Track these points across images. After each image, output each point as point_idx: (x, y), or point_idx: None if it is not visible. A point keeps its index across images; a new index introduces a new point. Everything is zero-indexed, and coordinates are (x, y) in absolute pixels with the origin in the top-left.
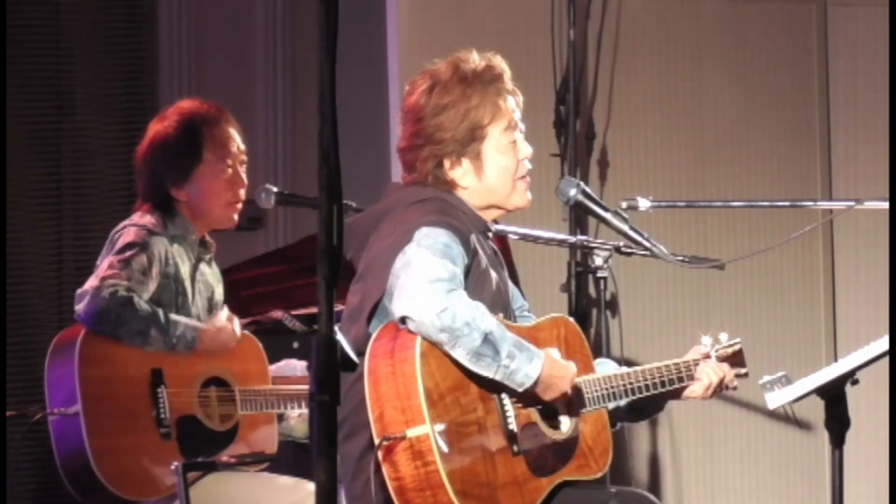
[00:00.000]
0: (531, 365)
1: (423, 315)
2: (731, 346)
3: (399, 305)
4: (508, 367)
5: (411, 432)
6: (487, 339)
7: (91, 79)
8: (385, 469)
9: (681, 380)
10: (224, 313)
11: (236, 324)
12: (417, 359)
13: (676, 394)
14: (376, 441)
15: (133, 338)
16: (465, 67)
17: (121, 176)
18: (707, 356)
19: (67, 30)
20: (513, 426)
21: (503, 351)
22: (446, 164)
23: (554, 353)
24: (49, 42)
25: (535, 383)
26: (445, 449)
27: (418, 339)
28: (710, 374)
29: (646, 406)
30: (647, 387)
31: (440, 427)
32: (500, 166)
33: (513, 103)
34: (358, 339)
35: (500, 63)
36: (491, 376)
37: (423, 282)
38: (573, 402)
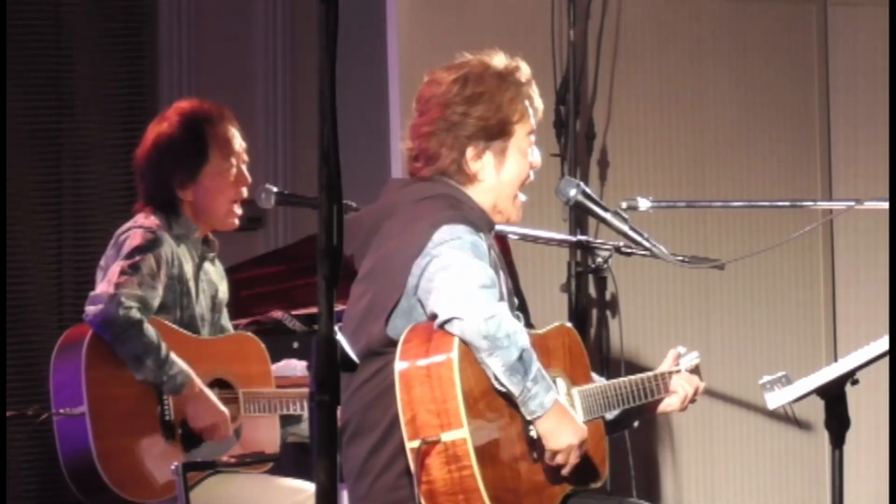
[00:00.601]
0: (547, 395)
1: (472, 319)
2: (692, 359)
3: (446, 308)
4: (531, 389)
5: (446, 436)
6: (522, 356)
7: (91, 79)
8: (415, 472)
9: (659, 391)
10: (225, 409)
11: (230, 428)
12: (456, 362)
13: (652, 409)
14: (408, 444)
15: (129, 358)
16: (498, 64)
17: (121, 176)
18: (678, 369)
19: (67, 30)
20: (533, 433)
21: (531, 372)
22: (469, 153)
23: (560, 390)
24: (49, 42)
25: (545, 415)
26: (481, 453)
27: (456, 342)
28: (684, 385)
29: (620, 420)
30: (635, 397)
31: (476, 431)
32: (517, 168)
33: (532, 112)
34: (372, 340)
35: (527, 70)
36: (515, 394)
37: (473, 287)
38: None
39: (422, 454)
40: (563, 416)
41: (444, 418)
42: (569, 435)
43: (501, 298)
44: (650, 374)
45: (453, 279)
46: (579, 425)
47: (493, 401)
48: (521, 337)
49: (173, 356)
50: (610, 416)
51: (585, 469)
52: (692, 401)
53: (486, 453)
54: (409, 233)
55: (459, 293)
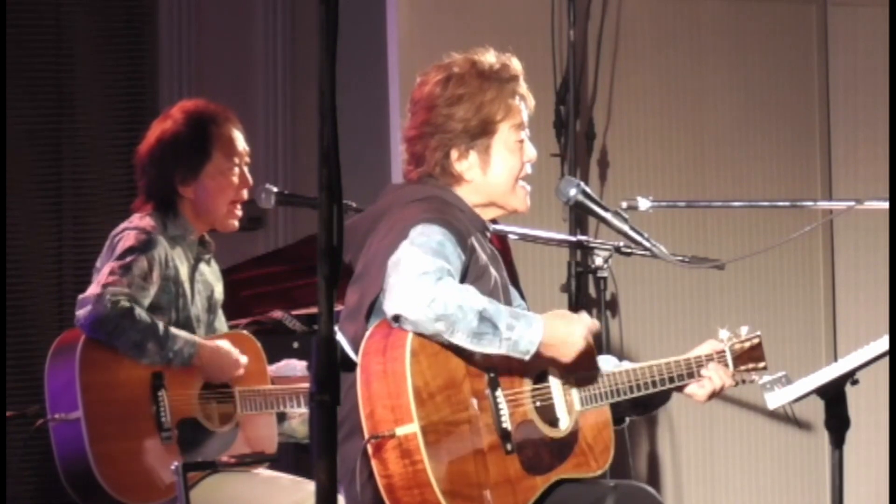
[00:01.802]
0: (531, 330)
1: (415, 310)
2: (749, 339)
3: (390, 305)
4: (510, 338)
5: (400, 430)
6: (483, 316)
7: (91, 79)
8: (375, 467)
9: (690, 375)
10: (226, 342)
11: (242, 358)
12: (407, 357)
13: (680, 387)
14: (366, 438)
15: (129, 349)
16: (483, 63)
17: (121, 176)
18: (721, 352)
19: (67, 30)
20: (506, 424)
21: (501, 324)
22: (453, 154)
23: (560, 311)
24: (49, 42)
25: (541, 346)
26: (433, 448)
27: (409, 338)
28: (716, 377)
29: (650, 399)
30: (652, 383)
31: (429, 426)
32: (505, 164)
33: (524, 106)
34: (356, 338)
35: (517, 65)
36: (496, 352)
37: (411, 277)
38: (593, 356)
39: (377, 447)
40: (556, 332)
41: (398, 413)
42: (573, 345)
43: (483, 292)
44: (684, 357)
45: (397, 275)
46: (575, 323)
47: (456, 394)
48: (474, 300)
49: (173, 330)
50: (619, 401)
51: (583, 456)
52: (722, 389)
53: (442, 447)
54: (392, 234)
55: (398, 289)
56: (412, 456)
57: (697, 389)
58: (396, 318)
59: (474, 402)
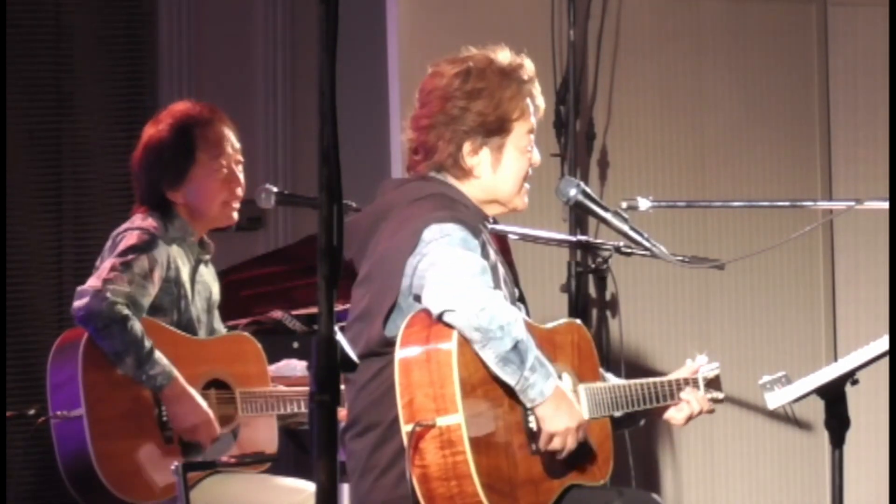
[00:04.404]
0: (546, 383)
1: (464, 310)
2: (712, 369)
3: (438, 302)
4: (528, 378)
5: (442, 420)
6: (517, 346)
7: (91, 79)
8: (410, 456)
9: (672, 396)
10: (209, 410)
11: (216, 429)
12: (455, 348)
13: (658, 412)
14: (403, 427)
15: (110, 354)
16: (502, 60)
17: (121, 175)
18: (695, 378)
19: (67, 30)
20: (533, 424)
21: (528, 362)
22: (466, 148)
23: (566, 386)
24: (49, 42)
25: (544, 402)
26: (475, 440)
27: (455, 329)
28: (693, 401)
29: (625, 419)
30: (645, 399)
31: (472, 417)
32: (515, 165)
33: (534, 110)
34: (371, 341)
35: (531, 67)
36: (512, 384)
37: (464, 277)
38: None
39: (416, 437)
40: (561, 401)
41: (441, 403)
42: (565, 418)
43: (497, 286)
44: (664, 378)
45: (443, 273)
46: (577, 410)
47: (493, 389)
48: (516, 327)
49: (158, 356)
50: (621, 413)
51: (588, 465)
52: (699, 413)
53: (482, 440)
54: (401, 234)
55: (450, 286)
56: (454, 447)
57: (675, 413)
58: (439, 316)
59: (507, 399)
